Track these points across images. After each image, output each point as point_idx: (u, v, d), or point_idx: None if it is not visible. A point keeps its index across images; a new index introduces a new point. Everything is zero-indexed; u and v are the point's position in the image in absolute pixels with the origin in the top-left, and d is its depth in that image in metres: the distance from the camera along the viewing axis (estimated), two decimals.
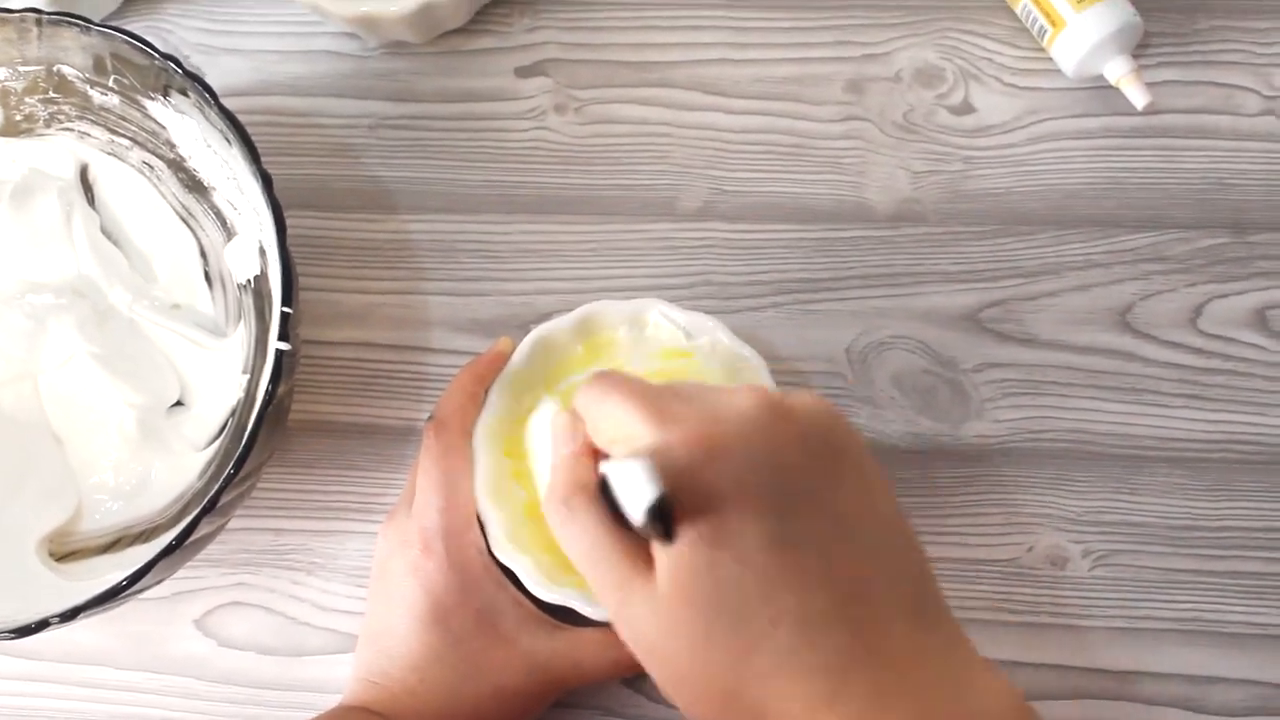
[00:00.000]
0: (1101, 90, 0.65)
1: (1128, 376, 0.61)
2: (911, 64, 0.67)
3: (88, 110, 0.62)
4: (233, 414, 0.60)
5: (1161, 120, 0.65)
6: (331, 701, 0.55)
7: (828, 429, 0.43)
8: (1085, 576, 0.59)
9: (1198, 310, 0.62)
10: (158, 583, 0.55)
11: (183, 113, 0.59)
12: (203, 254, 0.63)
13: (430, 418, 0.56)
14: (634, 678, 0.58)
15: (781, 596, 0.40)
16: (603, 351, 0.59)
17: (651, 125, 0.66)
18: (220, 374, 0.61)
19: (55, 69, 0.61)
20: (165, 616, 0.61)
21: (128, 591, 0.51)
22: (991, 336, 0.62)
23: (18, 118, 0.63)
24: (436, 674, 0.53)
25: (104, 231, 0.63)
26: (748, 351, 0.57)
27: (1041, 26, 0.64)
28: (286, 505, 0.62)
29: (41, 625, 0.51)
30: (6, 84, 0.62)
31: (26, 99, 0.62)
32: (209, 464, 0.60)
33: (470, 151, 0.67)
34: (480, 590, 0.54)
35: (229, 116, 0.56)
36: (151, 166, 0.63)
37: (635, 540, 0.42)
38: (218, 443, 0.60)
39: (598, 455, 0.46)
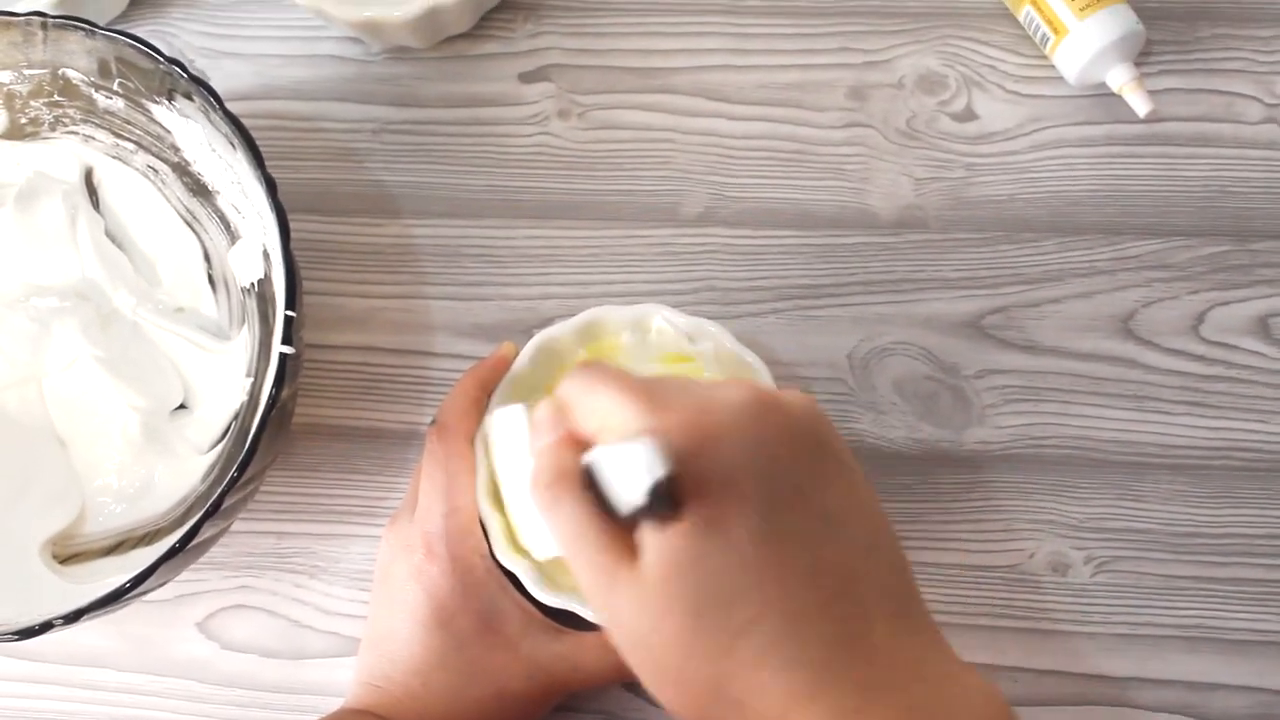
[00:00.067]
0: (1104, 98, 0.65)
1: (1130, 383, 0.61)
2: (914, 71, 0.67)
3: (92, 114, 0.62)
4: (236, 417, 0.60)
5: (1164, 128, 0.65)
6: (334, 705, 0.55)
7: (814, 426, 0.43)
8: (1087, 583, 0.59)
9: (1200, 317, 0.62)
10: (161, 585, 0.55)
11: (187, 117, 0.60)
12: (207, 257, 0.63)
13: (433, 422, 0.56)
14: (635, 681, 0.58)
15: (767, 590, 0.40)
16: (605, 356, 0.59)
17: (654, 131, 0.67)
18: (224, 377, 0.61)
19: (60, 73, 0.61)
20: (168, 619, 0.61)
21: (131, 594, 0.51)
22: (994, 343, 0.62)
23: (23, 121, 0.63)
24: (439, 677, 0.53)
25: (108, 235, 0.63)
26: (750, 357, 0.57)
27: (1044, 34, 0.64)
28: (289, 509, 0.62)
29: (45, 627, 0.51)
30: (11, 87, 0.62)
31: (32, 102, 0.63)
32: (212, 467, 0.60)
33: (473, 156, 0.67)
34: (482, 594, 0.54)
35: (233, 121, 0.56)
36: (156, 170, 0.63)
37: (619, 529, 0.42)
38: (221, 446, 0.60)
39: (580, 445, 0.45)
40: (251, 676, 0.60)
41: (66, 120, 0.63)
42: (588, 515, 0.42)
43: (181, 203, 0.63)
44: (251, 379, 0.60)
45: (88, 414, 0.61)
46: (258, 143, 0.56)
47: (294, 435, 0.63)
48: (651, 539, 0.41)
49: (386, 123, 0.68)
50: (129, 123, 0.62)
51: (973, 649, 0.58)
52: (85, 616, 0.51)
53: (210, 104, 0.56)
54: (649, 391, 0.43)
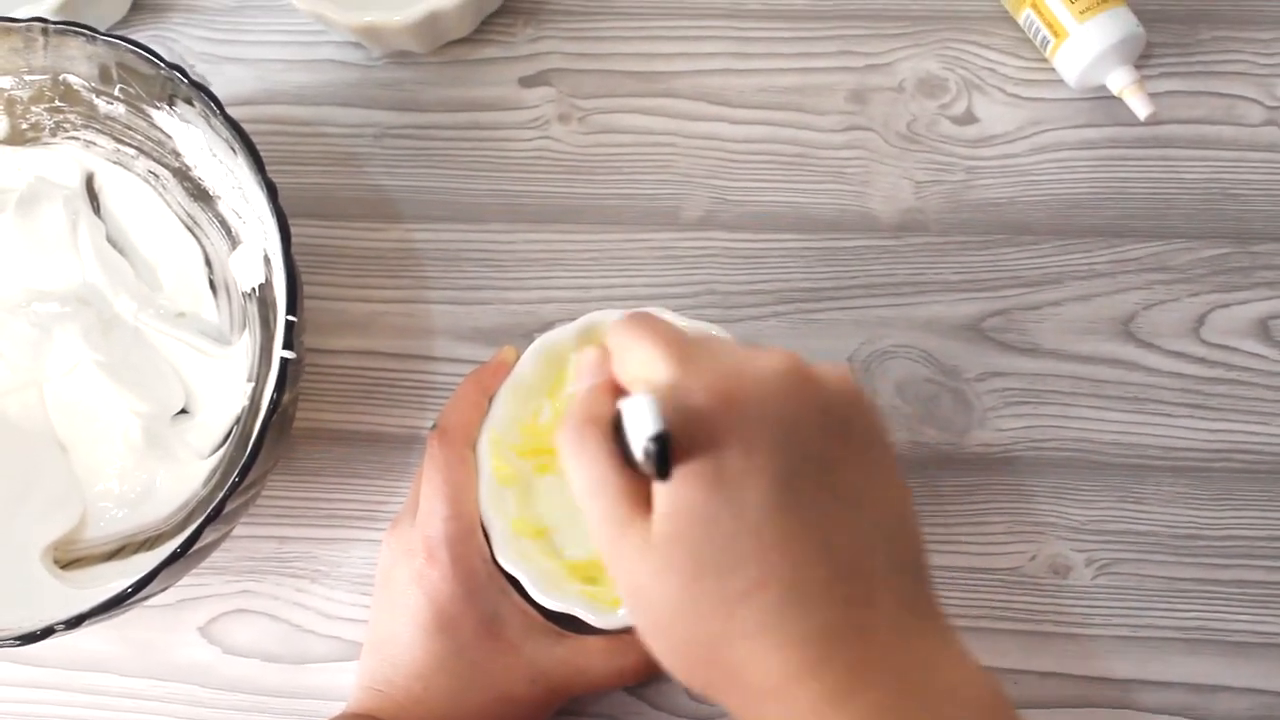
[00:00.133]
0: (1104, 101, 0.65)
1: (1130, 386, 0.61)
2: (914, 74, 0.67)
3: (93, 119, 0.62)
4: (237, 422, 0.60)
5: (1164, 130, 0.65)
6: (336, 709, 0.55)
7: (850, 404, 0.43)
8: (1088, 585, 0.59)
9: (1200, 320, 0.62)
10: (162, 590, 0.55)
11: (188, 122, 0.60)
12: (208, 262, 0.63)
13: (434, 426, 0.56)
14: (637, 685, 0.58)
15: (774, 558, 0.39)
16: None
17: (655, 135, 0.67)
18: (225, 382, 0.61)
19: (61, 78, 0.61)
20: (170, 624, 0.61)
21: (132, 599, 0.51)
22: (994, 346, 0.62)
23: (24, 126, 0.63)
24: (440, 682, 0.53)
25: (109, 240, 0.63)
26: None
27: (1044, 37, 0.64)
28: (291, 513, 0.62)
29: (46, 633, 0.51)
30: (13, 93, 0.62)
31: (33, 108, 0.63)
32: (214, 472, 0.60)
33: (474, 161, 0.67)
34: (484, 598, 0.54)
35: (234, 125, 0.56)
36: (157, 175, 0.63)
37: (638, 481, 0.41)
38: (222, 451, 0.60)
39: (620, 392, 0.44)
40: (253, 681, 0.60)
41: (67, 125, 0.63)
42: (610, 462, 0.42)
43: (182, 208, 0.63)
44: (253, 384, 0.60)
45: (89, 419, 0.61)
46: (259, 148, 0.56)
47: (295, 440, 0.63)
48: (663, 495, 0.40)
49: (387, 127, 0.68)
50: (130, 128, 0.62)
51: (974, 651, 0.57)
52: (87, 621, 0.51)
53: (211, 109, 0.56)
54: (685, 349, 0.42)
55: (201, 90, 0.56)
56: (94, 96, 0.61)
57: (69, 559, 0.59)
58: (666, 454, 0.39)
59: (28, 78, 0.61)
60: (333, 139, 0.68)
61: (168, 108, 0.60)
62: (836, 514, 0.41)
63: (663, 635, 0.42)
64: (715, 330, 0.57)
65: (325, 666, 0.60)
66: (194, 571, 0.58)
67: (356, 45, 0.69)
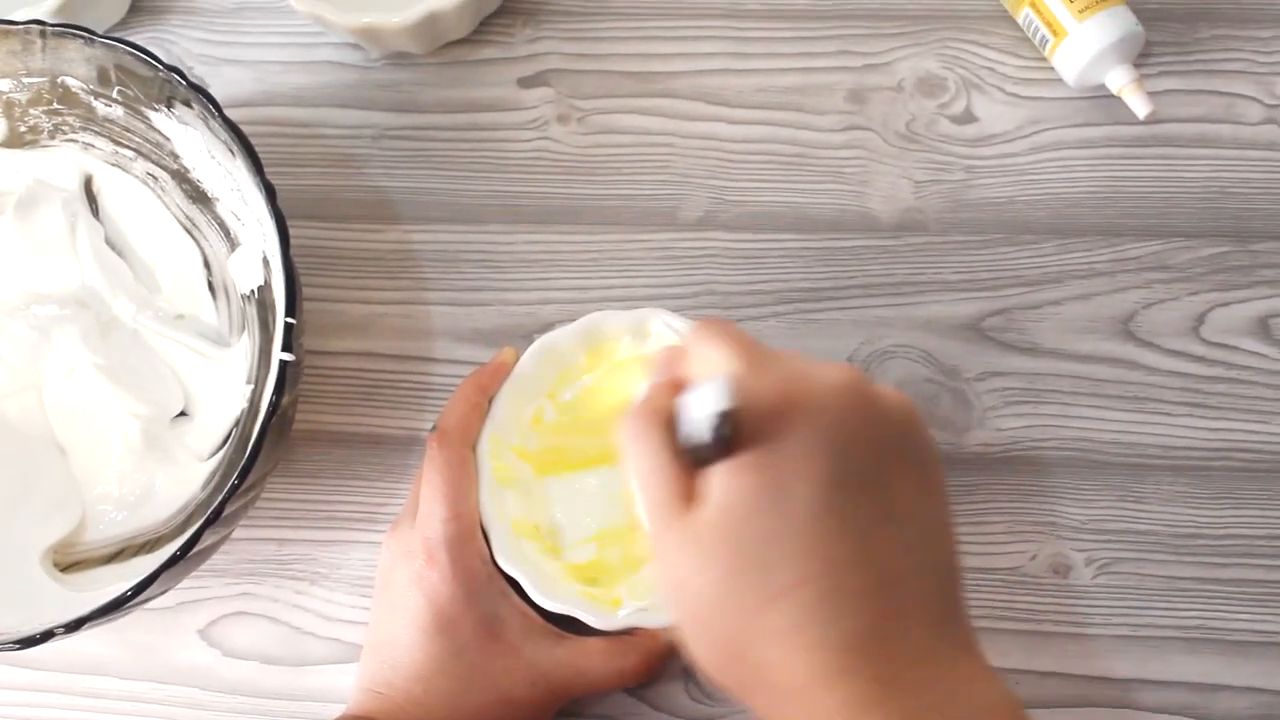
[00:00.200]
0: (1103, 99, 0.65)
1: (1130, 385, 0.61)
2: (913, 74, 0.67)
3: (92, 121, 0.62)
4: (237, 424, 0.60)
5: (1163, 129, 0.65)
6: (335, 711, 0.55)
7: (904, 424, 0.44)
8: (1089, 585, 0.59)
9: (1200, 319, 0.62)
10: (162, 593, 0.55)
11: (186, 124, 0.60)
12: (206, 264, 0.63)
13: (433, 428, 0.56)
14: (637, 686, 0.58)
15: (813, 561, 0.40)
16: (606, 361, 0.59)
17: (653, 135, 0.67)
18: (224, 384, 0.61)
19: (59, 80, 0.61)
20: (169, 626, 0.61)
21: (132, 602, 0.51)
22: (994, 345, 0.62)
23: (22, 129, 0.63)
24: (440, 684, 0.53)
25: (108, 242, 0.63)
26: None
27: (1043, 36, 0.64)
28: (290, 515, 0.62)
29: (46, 636, 0.51)
30: (11, 95, 0.62)
31: (31, 110, 0.63)
32: (213, 474, 0.60)
33: (473, 162, 0.67)
34: (484, 600, 0.54)
35: (232, 127, 0.56)
36: (155, 177, 0.63)
37: (692, 477, 0.42)
38: (222, 453, 0.60)
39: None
40: (253, 683, 0.60)
41: (66, 128, 0.63)
42: (666, 452, 0.43)
43: (181, 210, 0.63)
44: (252, 386, 0.60)
45: (88, 422, 0.61)
46: (257, 149, 0.56)
47: (295, 442, 0.63)
48: (714, 488, 0.41)
49: (386, 129, 0.68)
50: (128, 130, 0.62)
51: None
52: (86, 625, 0.51)
53: (209, 111, 0.56)
54: (754, 353, 0.44)
55: (200, 92, 0.56)
56: (92, 99, 0.61)
57: (68, 562, 0.59)
58: (732, 431, 0.40)
59: (26, 80, 0.61)
60: (331, 140, 0.68)
61: (166, 110, 0.60)
62: (880, 527, 0.41)
63: (699, 628, 0.42)
64: None
65: (325, 669, 0.60)
66: (193, 574, 0.58)
67: (355, 47, 0.69)
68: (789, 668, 0.40)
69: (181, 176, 0.62)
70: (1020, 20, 0.66)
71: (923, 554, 0.42)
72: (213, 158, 0.60)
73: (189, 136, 0.60)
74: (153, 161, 0.63)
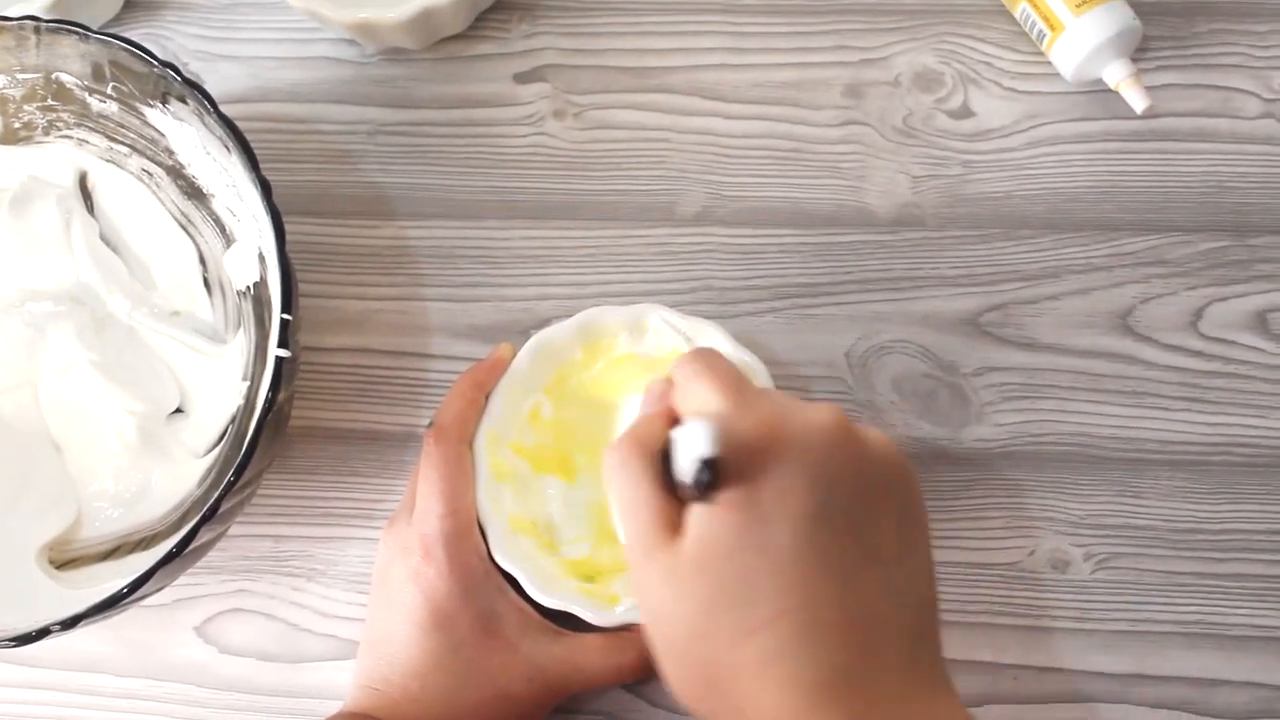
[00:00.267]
0: (1101, 94, 0.65)
1: (1128, 380, 0.61)
2: (910, 68, 0.67)
3: (86, 118, 0.62)
4: (233, 421, 0.60)
5: (1161, 124, 0.65)
6: (332, 708, 0.55)
7: (888, 465, 0.44)
8: (1087, 580, 0.59)
9: (1198, 313, 0.62)
10: (158, 590, 0.54)
11: (181, 120, 0.59)
12: (202, 261, 0.63)
13: (430, 424, 0.56)
14: (635, 682, 0.58)
15: (792, 597, 0.40)
16: (603, 357, 0.59)
17: (650, 130, 0.66)
18: (220, 381, 0.61)
19: (54, 76, 0.61)
20: (165, 623, 0.61)
21: (128, 599, 0.51)
22: (992, 340, 0.62)
23: (16, 125, 0.63)
24: (437, 680, 0.53)
25: (103, 239, 0.63)
26: (748, 356, 0.57)
27: (1040, 30, 0.64)
28: (287, 512, 0.62)
29: (42, 633, 0.50)
30: (5, 91, 0.62)
31: (25, 106, 0.62)
32: (209, 471, 0.59)
33: (469, 157, 0.67)
34: (481, 596, 0.54)
35: (228, 123, 0.56)
36: (150, 174, 0.63)
37: (675, 506, 0.43)
38: (218, 450, 0.60)
39: (675, 422, 0.46)
40: (250, 680, 0.60)
41: (60, 124, 0.63)
42: (649, 484, 0.43)
43: (176, 206, 0.63)
44: (248, 382, 0.60)
45: (83, 418, 0.60)
46: (252, 145, 0.56)
47: (291, 438, 0.62)
48: (696, 521, 0.42)
49: (382, 124, 0.67)
50: (123, 126, 0.62)
51: (973, 647, 0.58)
52: (83, 622, 0.51)
53: (205, 107, 0.56)
54: (741, 390, 0.45)
55: (195, 88, 0.56)
56: (87, 95, 0.61)
57: (64, 559, 0.59)
58: (715, 478, 0.40)
59: (20, 76, 0.61)
60: (327, 136, 0.67)
61: (161, 106, 0.60)
62: (861, 567, 0.42)
63: (676, 659, 0.43)
64: (711, 327, 0.57)
65: (322, 665, 0.60)
66: (190, 571, 0.58)
67: (350, 42, 0.69)
68: (763, 702, 0.40)
69: (177, 172, 0.62)
70: (1017, 15, 0.66)
71: (902, 595, 0.43)
72: (208, 154, 0.60)
73: (184, 132, 0.60)
74: (148, 158, 0.63)
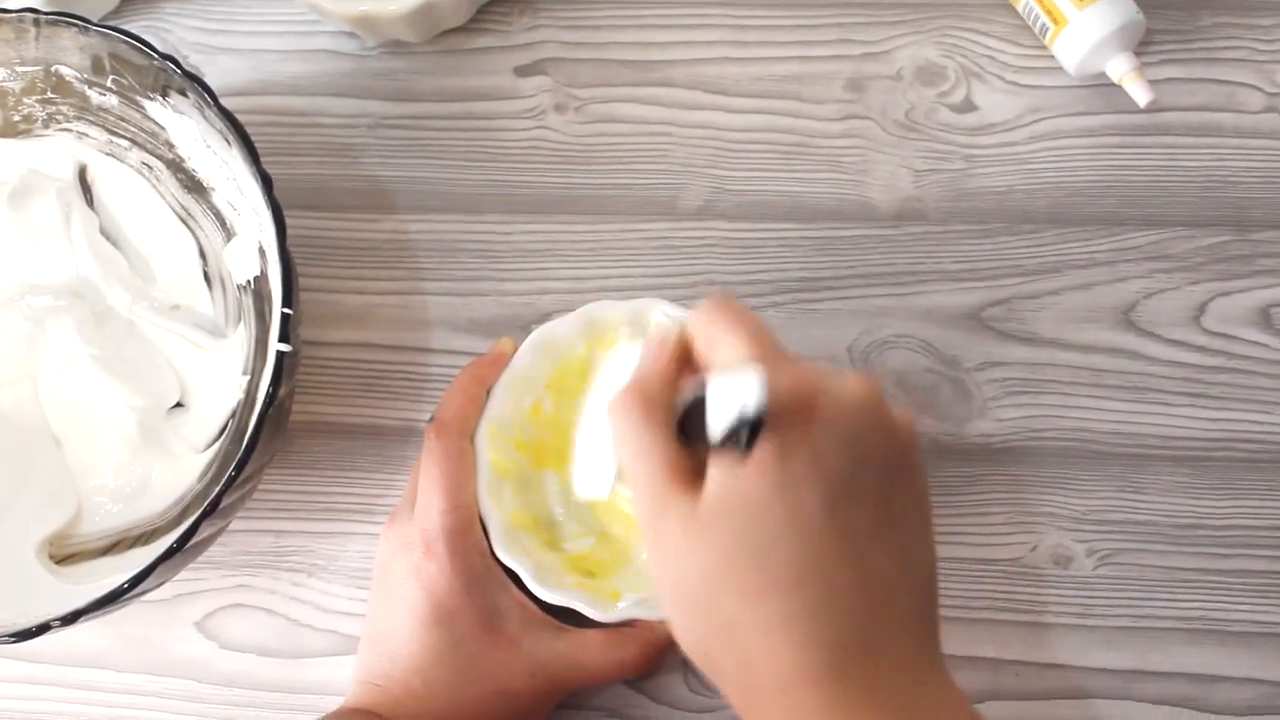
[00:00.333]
0: (1104, 88, 0.65)
1: (1131, 375, 0.61)
2: (913, 62, 0.66)
3: (86, 111, 0.62)
4: (233, 416, 0.60)
5: (1164, 118, 0.65)
6: (333, 704, 0.55)
7: (909, 443, 0.44)
8: (1089, 576, 0.59)
9: (1201, 308, 0.62)
10: (158, 585, 0.54)
11: (182, 113, 0.59)
12: (202, 255, 0.63)
13: (431, 419, 0.56)
14: (637, 678, 0.58)
15: (814, 561, 0.41)
16: (605, 351, 0.58)
17: (652, 124, 0.66)
18: (220, 375, 0.60)
19: (53, 69, 0.61)
20: (166, 619, 0.61)
21: (128, 594, 0.51)
22: (994, 335, 0.62)
23: (16, 118, 0.63)
24: (438, 676, 0.53)
25: (103, 232, 0.63)
26: None
27: (1043, 24, 0.64)
28: (287, 507, 0.62)
29: (42, 629, 0.50)
30: (4, 84, 0.62)
31: (25, 99, 0.62)
32: (209, 466, 0.59)
33: (470, 151, 0.66)
34: (482, 592, 0.54)
35: (228, 117, 0.56)
36: (150, 167, 0.63)
37: (688, 460, 0.43)
38: (218, 444, 0.60)
39: (682, 372, 0.46)
40: (250, 676, 0.60)
41: (60, 117, 0.63)
42: (662, 434, 0.43)
43: (176, 199, 0.63)
44: (248, 377, 0.59)
45: (83, 413, 0.60)
46: (253, 138, 0.56)
47: (291, 433, 0.62)
48: (720, 475, 0.41)
49: (382, 118, 0.67)
50: (123, 119, 0.62)
51: (975, 643, 0.58)
52: (83, 617, 0.51)
53: (205, 100, 0.56)
54: (775, 348, 0.44)
55: (195, 81, 0.56)
56: (86, 88, 0.61)
57: (64, 554, 0.59)
58: (758, 431, 0.40)
59: (19, 69, 0.61)
60: (327, 130, 0.67)
61: (161, 99, 0.59)
62: (880, 539, 0.42)
63: (684, 603, 0.43)
64: None
65: (322, 661, 0.60)
66: (190, 566, 0.58)
67: (351, 35, 0.68)
68: (772, 662, 0.41)
69: (177, 166, 0.62)
70: (1020, 8, 0.65)
71: (915, 572, 0.43)
72: (208, 147, 0.60)
73: (184, 126, 0.60)
74: (148, 151, 0.62)
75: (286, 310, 0.53)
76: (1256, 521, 0.59)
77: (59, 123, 0.63)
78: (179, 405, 0.61)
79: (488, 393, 0.57)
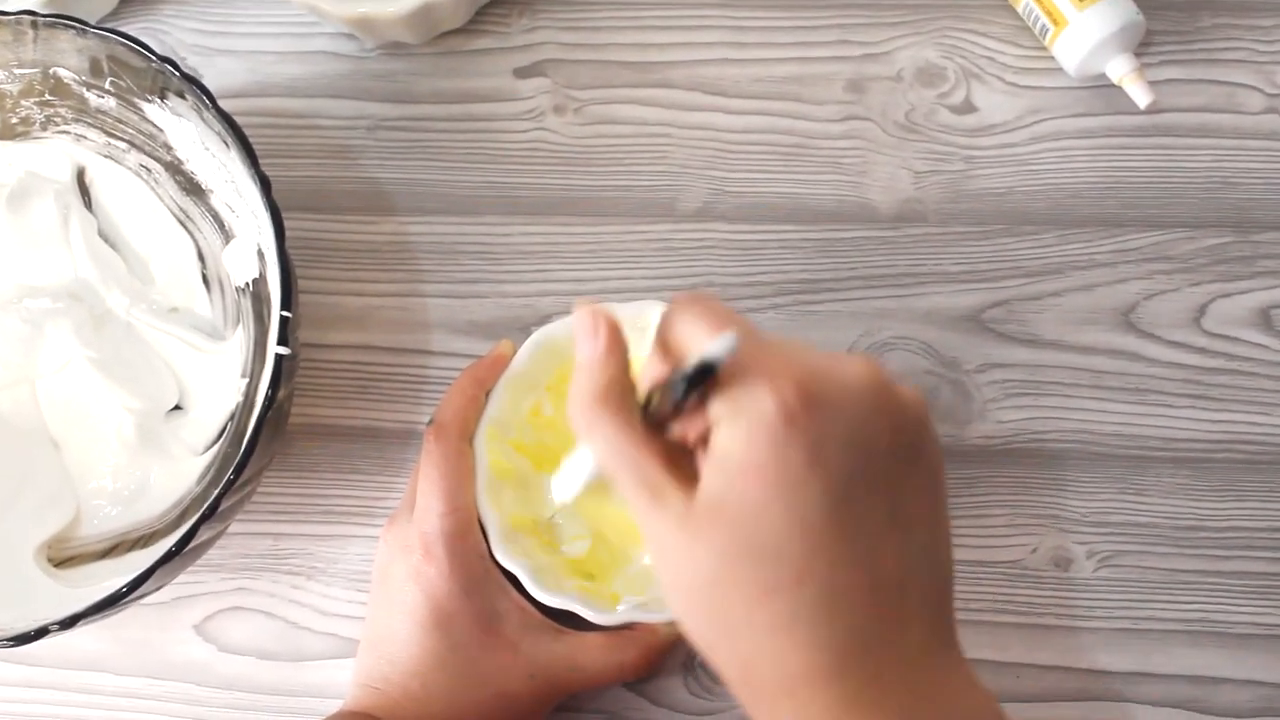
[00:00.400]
0: (1104, 89, 0.65)
1: (1131, 376, 0.61)
2: (913, 63, 0.66)
3: (84, 113, 0.62)
4: (232, 418, 0.60)
5: (1164, 119, 0.65)
6: (332, 707, 0.55)
7: (919, 426, 0.42)
8: (1090, 578, 0.58)
9: (1201, 310, 0.62)
10: (157, 588, 0.54)
11: (180, 115, 0.59)
12: (201, 257, 0.63)
13: (430, 421, 0.56)
14: (636, 681, 0.58)
15: (818, 559, 0.39)
16: None
17: (651, 126, 0.66)
18: (219, 378, 0.60)
19: (51, 71, 0.61)
20: (165, 622, 0.61)
21: (127, 598, 0.50)
22: (994, 337, 0.62)
23: (14, 121, 0.63)
24: (437, 679, 0.53)
25: (101, 235, 0.63)
26: None
27: (1043, 25, 0.64)
28: (286, 510, 0.62)
29: (41, 633, 0.50)
30: (2, 87, 0.62)
31: (22, 102, 0.62)
32: (208, 469, 0.59)
33: (469, 153, 0.66)
34: (482, 594, 0.53)
35: (226, 119, 0.55)
36: (149, 169, 0.63)
37: (673, 450, 0.42)
38: (217, 447, 0.60)
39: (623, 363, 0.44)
40: (250, 679, 0.60)
41: (58, 119, 0.62)
42: (635, 430, 0.42)
43: (175, 202, 0.63)
44: (247, 379, 0.59)
45: (82, 416, 0.60)
46: (251, 141, 0.56)
47: (291, 436, 0.62)
48: (717, 474, 0.40)
49: (381, 119, 0.67)
50: (121, 122, 0.62)
51: (976, 645, 0.58)
52: (81, 621, 0.50)
53: (203, 102, 0.56)
54: (760, 340, 0.42)
55: (193, 83, 0.56)
56: (85, 90, 0.61)
57: (62, 557, 0.59)
58: (703, 378, 0.39)
59: (17, 71, 0.61)
60: (326, 131, 0.67)
61: (159, 101, 0.59)
62: (886, 532, 0.41)
63: (687, 602, 0.42)
64: None
65: (322, 664, 0.60)
66: (189, 569, 0.58)
67: (349, 37, 0.68)
68: (778, 664, 0.40)
69: (175, 168, 0.62)
70: (1020, 9, 0.65)
71: (925, 560, 0.42)
72: (206, 149, 0.60)
73: (182, 128, 0.60)
74: (146, 153, 0.62)
75: (285, 313, 0.53)
76: (1257, 523, 0.59)
77: (57, 125, 0.63)
78: (178, 408, 0.61)
79: (487, 395, 0.57)
